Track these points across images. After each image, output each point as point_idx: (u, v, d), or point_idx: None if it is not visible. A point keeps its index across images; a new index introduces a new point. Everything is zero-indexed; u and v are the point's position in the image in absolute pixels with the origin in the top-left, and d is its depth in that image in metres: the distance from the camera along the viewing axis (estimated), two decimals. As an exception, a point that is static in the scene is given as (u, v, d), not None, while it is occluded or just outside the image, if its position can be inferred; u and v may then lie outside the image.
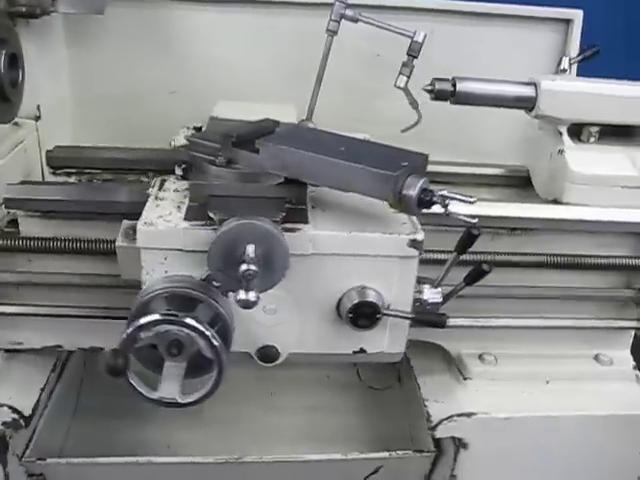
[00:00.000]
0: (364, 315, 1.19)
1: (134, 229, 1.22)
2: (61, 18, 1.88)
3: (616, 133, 1.55)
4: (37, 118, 1.76)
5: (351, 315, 1.19)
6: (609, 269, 1.56)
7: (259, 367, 1.30)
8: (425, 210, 1.13)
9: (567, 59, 1.53)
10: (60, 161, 1.62)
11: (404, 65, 1.70)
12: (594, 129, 1.53)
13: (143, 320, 1.05)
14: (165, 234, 1.16)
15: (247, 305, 1.05)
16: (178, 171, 1.37)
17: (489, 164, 1.92)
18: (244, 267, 1.03)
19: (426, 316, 1.23)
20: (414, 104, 1.80)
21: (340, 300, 1.22)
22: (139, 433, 1.83)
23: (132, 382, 1.10)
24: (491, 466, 1.56)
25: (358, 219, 1.22)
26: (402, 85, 1.70)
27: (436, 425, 1.52)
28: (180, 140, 1.65)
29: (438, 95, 1.47)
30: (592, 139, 1.53)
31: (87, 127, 2.03)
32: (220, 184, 1.23)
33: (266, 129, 1.30)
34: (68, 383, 1.85)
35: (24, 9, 1.60)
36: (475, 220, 1.11)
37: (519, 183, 1.85)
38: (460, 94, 1.46)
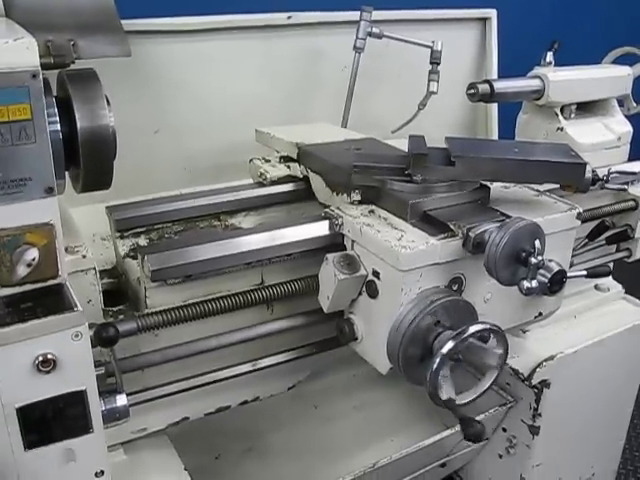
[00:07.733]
0: (558, 282, 1.35)
1: (348, 260, 1.26)
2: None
3: (583, 108, 1.93)
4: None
5: (549, 285, 1.35)
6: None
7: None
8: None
9: (550, 54, 1.85)
10: (128, 223, 1.46)
11: (432, 72, 1.88)
12: (573, 107, 1.88)
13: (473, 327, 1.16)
14: (425, 252, 1.22)
15: (531, 292, 1.18)
16: (355, 196, 1.39)
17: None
18: (534, 260, 1.16)
19: (595, 271, 1.48)
20: (422, 106, 2.00)
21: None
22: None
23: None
24: (564, 397, 1.86)
25: (530, 207, 1.41)
26: (435, 90, 1.88)
27: (531, 374, 1.76)
28: (274, 172, 1.63)
29: (482, 97, 1.67)
30: (572, 115, 1.89)
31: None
32: (434, 198, 1.33)
33: (418, 147, 1.40)
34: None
35: (52, 60, 1.40)
36: (626, 187, 1.41)
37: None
38: (497, 93, 1.69)
